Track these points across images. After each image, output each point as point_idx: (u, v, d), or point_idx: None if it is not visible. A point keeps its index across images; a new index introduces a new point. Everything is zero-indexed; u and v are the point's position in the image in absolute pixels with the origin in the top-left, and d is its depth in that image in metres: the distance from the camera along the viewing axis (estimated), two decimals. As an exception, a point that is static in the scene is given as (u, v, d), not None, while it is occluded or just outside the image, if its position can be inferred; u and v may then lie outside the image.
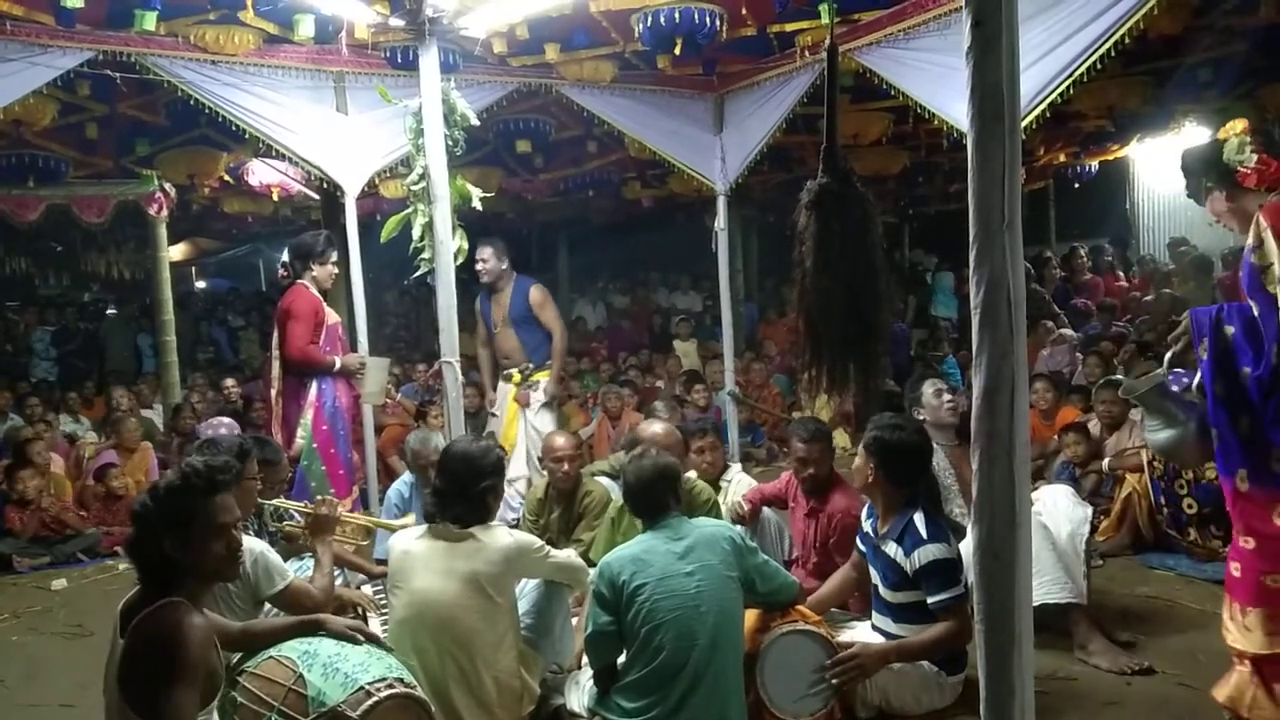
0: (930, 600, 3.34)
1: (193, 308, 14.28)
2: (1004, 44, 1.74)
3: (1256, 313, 2.91)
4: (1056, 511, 4.09)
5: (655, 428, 4.62)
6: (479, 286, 6.73)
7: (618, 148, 8.59)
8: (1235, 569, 3.12)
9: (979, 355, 1.78)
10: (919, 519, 3.40)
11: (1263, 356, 2.89)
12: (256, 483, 3.83)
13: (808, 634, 3.26)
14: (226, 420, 8.01)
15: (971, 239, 1.78)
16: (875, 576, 3.57)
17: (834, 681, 3.22)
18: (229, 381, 9.59)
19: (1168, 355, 3.27)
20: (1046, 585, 3.78)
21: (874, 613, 3.63)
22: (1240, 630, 3.07)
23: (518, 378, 6.49)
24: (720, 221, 7.18)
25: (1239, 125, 3.11)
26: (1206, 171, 3.17)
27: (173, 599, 2.34)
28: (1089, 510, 4.15)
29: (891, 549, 3.44)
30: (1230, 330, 2.97)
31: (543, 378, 6.53)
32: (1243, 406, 2.95)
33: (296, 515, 3.94)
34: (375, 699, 2.65)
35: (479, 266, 6.46)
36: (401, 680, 2.78)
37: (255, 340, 13.07)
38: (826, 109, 2.09)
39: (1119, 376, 6.04)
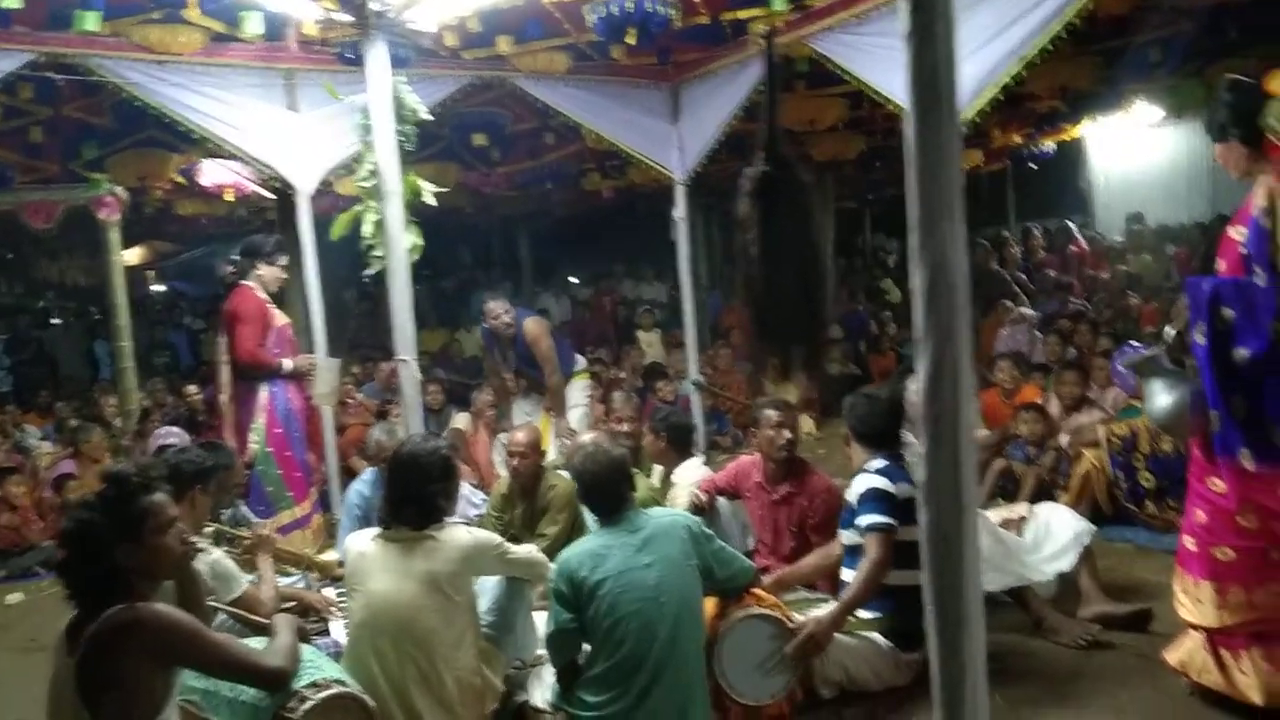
0: (860, 521, 3.47)
1: (149, 312, 14.06)
2: (941, 29, 1.73)
3: (1262, 283, 2.90)
4: (1057, 519, 4.19)
5: (518, 435, 4.78)
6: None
7: (575, 139, 8.55)
8: (1189, 542, 3.18)
9: (924, 340, 1.78)
10: (876, 462, 3.58)
11: (1261, 334, 2.90)
12: (209, 497, 3.79)
13: (762, 618, 3.30)
14: (176, 430, 7.89)
15: (912, 224, 1.78)
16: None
17: (791, 661, 3.27)
18: (190, 387, 9.45)
19: (1169, 333, 3.30)
20: (989, 575, 3.82)
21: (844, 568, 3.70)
22: (1193, 603, 3.12)
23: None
24: (679, 211, 7.18)
25: None
26: (1238, 121, 3.08)
27: (128, 604, 2.32)
28: (1091, 526, 4.21)
29: (848, 491, 3.60)
30: (1229, 313, 2.96)
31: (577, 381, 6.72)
32: (1238, 387, 2.97)
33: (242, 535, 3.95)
34: (310, 703, 2.64)
35: (499, 322, 6.45)
36: (342, 683, 2.78)
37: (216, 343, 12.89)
38: (766, 95, 2.09)
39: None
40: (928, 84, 1.74)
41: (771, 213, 1.87)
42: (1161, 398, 3.19)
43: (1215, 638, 3.11)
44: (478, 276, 14.90)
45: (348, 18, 4.15)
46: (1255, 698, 3.03)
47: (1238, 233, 3.02)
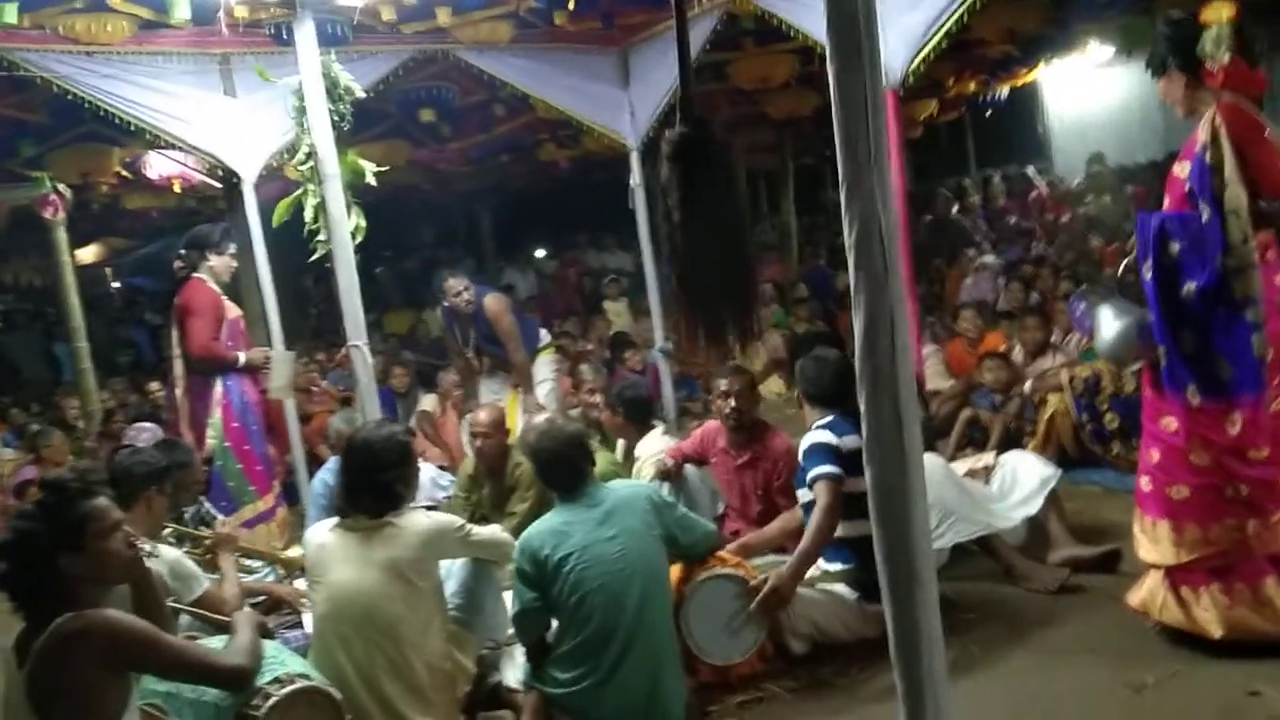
0: (808, 475, 3.49)
1: (109, 310, 13.84)
2: (855, -28, 1.68)
3: (1206, 219, 2.89)
4: (1024, 466, 4.21)
5: (480, 415, 4.73)
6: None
7: (526, 110, 8.42)
8: (1145, 483, 3.19)
9: (856, 294, 1.74)
10: (823, 419, 3.60)
11: (1208, 268, 2.88)
12: (166, 498, 3.72)
13: (725, 577, 3.32)
14: (149, 425, 7.78)
15: (840, 177, 1.73)
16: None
17: (757, 616, 3.30)
18: (152, 385, 9.31)
19: (1122, 267, 3.29)
20: (957, 526, 3.84)
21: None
22: (1151, 542, 3.14)
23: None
24: (635, 177, 7.09)
25: (1226, 11, 2.96)
26: (1176, 51, 3.07)
27: (76, 613, 2.27)
28: (1057, 470, 4.24)
29: (800, 456, 3.61)
30: (1176, 248, 2.95)
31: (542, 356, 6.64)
32: (1186, 321, 2.96)
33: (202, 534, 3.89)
34: (274, 699, 2.60)
35: (460, 299, 6.31)
36: (306, 676, 2.74)
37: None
38: (678, 54, 2.03)
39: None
40: (846, 33, 1.69)
41: (691, 176, 1.82)
42: (1108, 327, 3.19)
43: (1174, 575, 3.12)
44: (440, 255, 14.73)
45: (275, -3, 4.03)
46: (1215, 631, 3.05)
47: (1182, 169, 3.00)
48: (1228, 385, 2.90)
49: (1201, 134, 2.90)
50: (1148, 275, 2.98)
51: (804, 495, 3.61)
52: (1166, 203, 3.06)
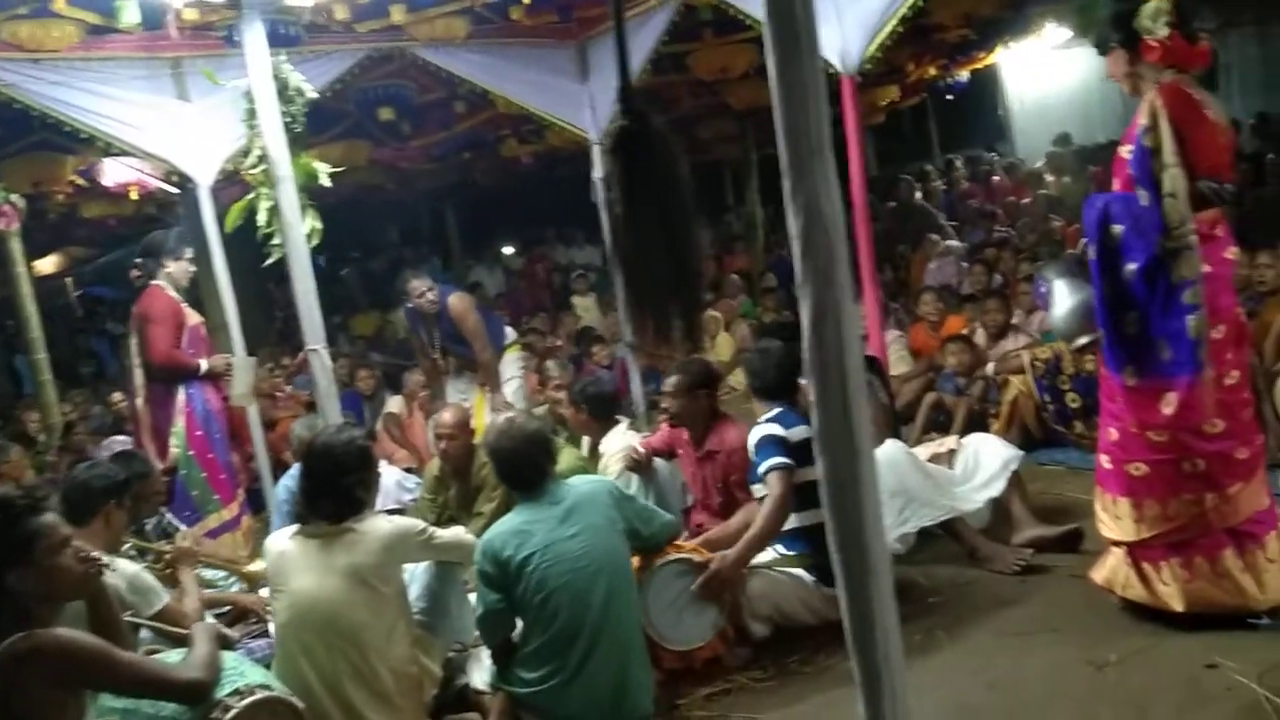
0: (759, 469, 3.51)
1: (68, 320, 13.64)
2: (792, -38, 1.67)
3: (1145, 202, 2.91)
4: (986, 449, 4.24)
5: (444, 416, 4.69)
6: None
7: (486, 106, 8.36)
8: (1105, 461, 3.22)
9: (803, 286, 1.73)
10: (769, 414, 3.63)
11: (1147, 248, 2.90)
12: (125, 511, 3.67)
13: (678, 562, 3.37)
14: (121, 438, 7.70)
15: (784, 168, 1.72)
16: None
17: (708, 598, 3.34)
18: (115, 395, 9.19)
19: (1081, 246, 3.32)
20: (921, 511, 3.88)
21: None
22: (1112, 519, 3.17)
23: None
24: (599, 171, 7.06)
25: None
26: (1117, 27, 3.08)
27: (26, 632, 2.23)
28: (1019, 451, 4.28)
29: (750, 452, 3.63)
30: (1118, 228, 2.98)
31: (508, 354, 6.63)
32: (1129, 303, 2.98)
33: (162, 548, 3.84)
34: (234, 711, 2.57)
35: (424, 300, 6.24)
36: (267, 687, 2.70)
37: (143, 346, 12.55)
38: (616, 44, 2.01)
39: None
40: (785, 21, 1.67)
41: (632, 169, 1.81)
42: (1061, 304, 3.23)
43: (1135, 551, 3.16)
44: (406, 254, 14.64)
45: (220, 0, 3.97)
46: (1176, 605, 3.09)
47: (1127, 151, 3.02)
48: (1166, 365, 2.93)
49: (1142, 117, 2.92)
50: (1092, 255, 3.02)
51: (758, 490, 3.63)
52: (1115, 184, 3.09)
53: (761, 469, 3.52)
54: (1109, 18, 3.11)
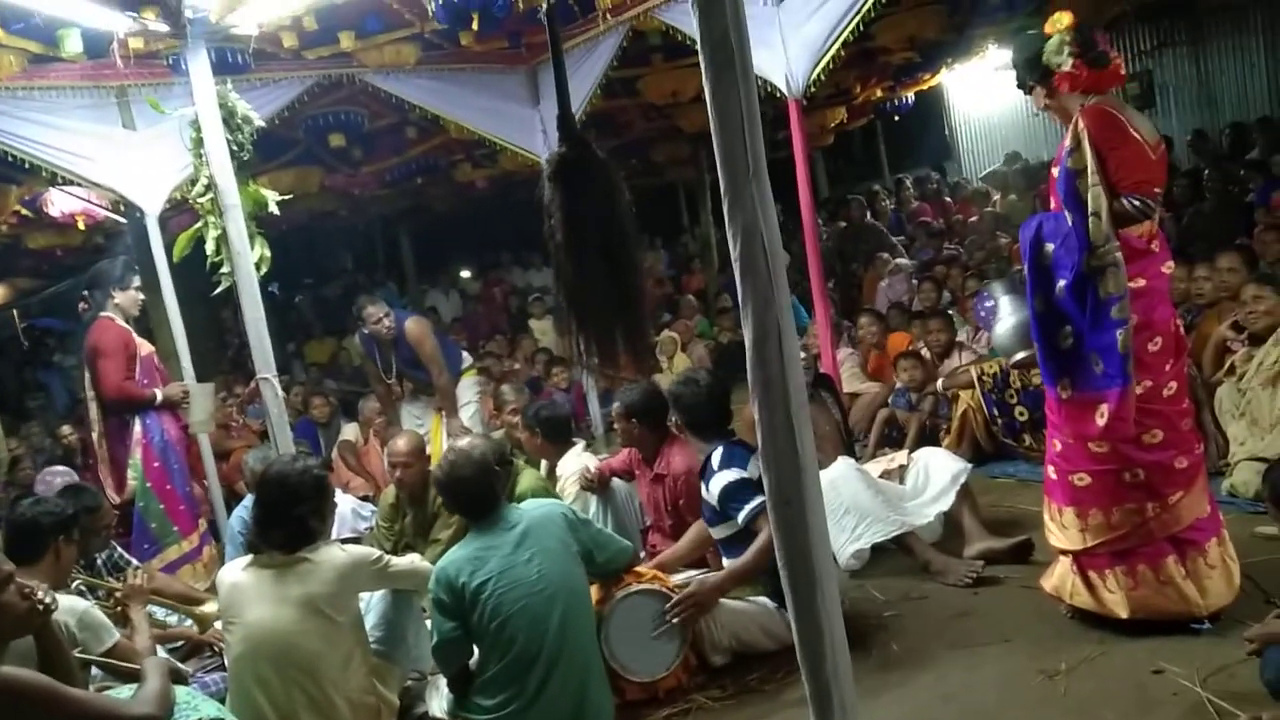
0: (740, 518, 3.46)
1: (14, 353, 13.35)
2: (726, -8, 1.71)
3: (1070, 223, 2.99)
4: (935, 463, 4.30)
5: (398, 444, 4.65)
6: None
7: (438, 131, 8.35)
8: (1051, 472, 3.28)
9: (744, 306, 1.76)
10: (716, 454, 3.57)
11: (1076, 266, 2.99)
12: (74, 546, 3.59)
13: (642, 592, 3.35)
14: (61, 469, 7.56)
15: (722, 191, 1.76)
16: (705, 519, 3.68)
17: (676, 624, 3.32)
18: (64, 428, 9.01)
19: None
20: (874, 527, 3.92)
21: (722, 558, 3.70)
22: (1059, 529, 3.23)
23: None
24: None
25: (1064, 20, 3.10)
26: (1028, 68, 3.21)
27: None
28: (967, 465, 4.35)
29: (703, 489, 3.59)
30: (1050, 247, 3.07)
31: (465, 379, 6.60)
32: (1064, 319, 3.06)
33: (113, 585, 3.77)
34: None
35: (380, 326, 6.19)
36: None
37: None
38: (555, 72, 2.04)
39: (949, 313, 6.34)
40: (719, 47, 1.71)
41: (572, 195, 1.83)
42: (1002, 322, 3.31)
43: (1081, 560, 3.23)
44: (361, 280, 14.53)
45: (163, 27, 3.95)
46: (1121, 612, 3.16)
47: (1056, 172, 3.11)
48: (1098, 379, 3.00)
49: (1067, 140, 3.02)
50: (1026, 273, 3.10)
51: (720, 532, 3.61)
52: (1053, 203, 3.18)
53: (743, 516, 3.45)
54: (1021, 61, 3.26)
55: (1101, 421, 3.02)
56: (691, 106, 8.88)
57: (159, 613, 4.36)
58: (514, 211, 14.20)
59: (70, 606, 3.26)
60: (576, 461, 4.55)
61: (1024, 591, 3.77)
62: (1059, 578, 3.33)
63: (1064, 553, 3.27)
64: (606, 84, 6.73)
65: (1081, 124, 2.98)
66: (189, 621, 4.43)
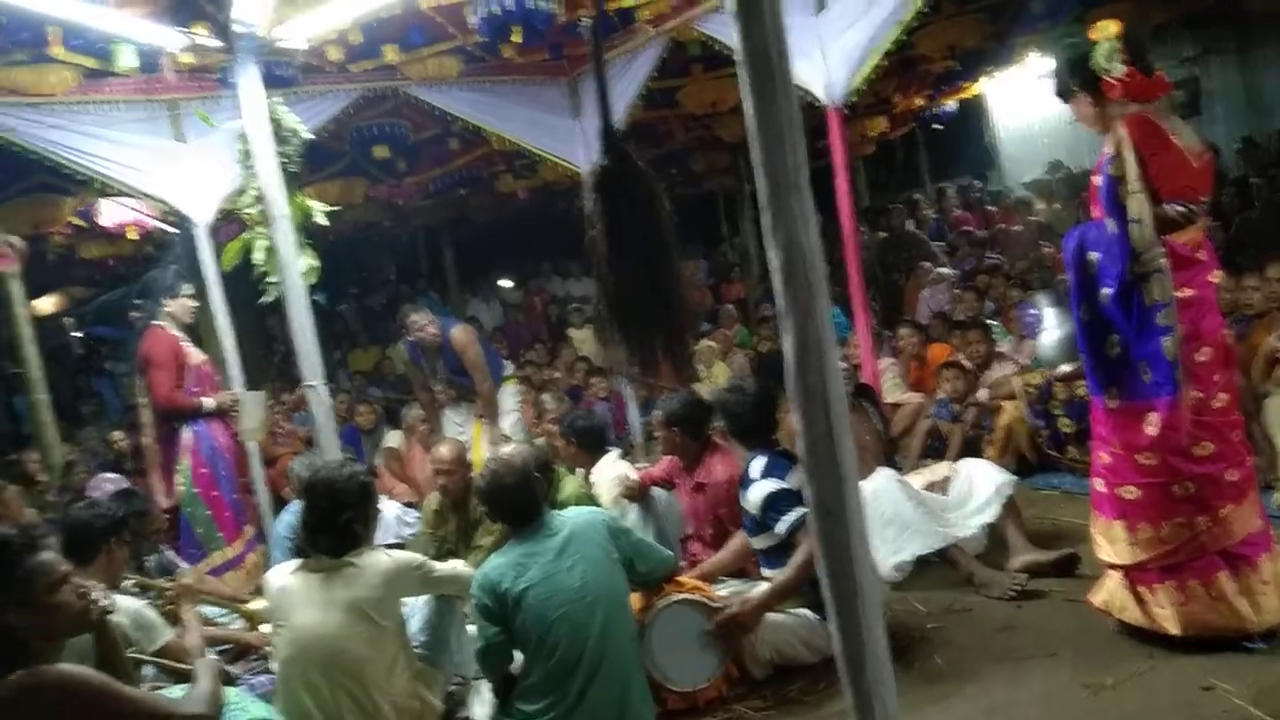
0: (780, 530, 3.46)
1: (68, 361, 13.65)
2: (767, 4, 1.73)
3: (1112, 230, 2.96)
4: (979, 474, 4.27)
5: (442, 451, 4.65)
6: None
7: (480, 142, 8.47)
8: (1099, 485, 3.24)
9: (785, 317, 1.77)
10: (756, 463, 3.57)
11: (1118, 274, 2.96)
12: (125, 548, 3.69)
13: (685, 603, 3.33)
14: (112, 475, 7.70)
15: (763, 203, 1.77)
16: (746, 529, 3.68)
17: (719, 640, 3.32)
18: (115, 434, 9.21)
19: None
20: (916, 539, 3.90)
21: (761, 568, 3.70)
22: (1108, 543, 3.19)
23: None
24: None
25: (1112, 29, 3.05)
26: (1074, 74, 3.16)
27: (29, 670, 2.25)
28: (1012, 476, 4.31)
29: (742, 498, 3.59)
30: (1094, 255, 3.04)
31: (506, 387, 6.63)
32: (1110, 327, 3.03)
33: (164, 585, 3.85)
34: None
35: (425, 334, 6.30)
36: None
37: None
38: (597, 86, 2.06)
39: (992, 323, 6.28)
40: (759, 60, 1.72)
41: (613, 206, 1.85)
42: (1050, 331, 3.28)
43: (1131, 575, 3.18)
44: (404, 290, 14.69)
45: (213, 42, 4.04)
46: (1172, 629, 3.11)
47: (1098, 180, 3.08)
48: (1147, 387, 2.96)
49: (1108, 147, 2.99)
50: (1071, 282, 3.07)
51: (760, 542, 3.62)
52: (1096, 212, 3.14)
53: (783, 528, 3.46)
54: (1065, 65, 3.19)
55: (1152, 431, 2.98)
56: (732, 116, 8.90)
57: (210, 611, 4.45)
58: (554, 221, 14.34)
59: (125, 606, 3.35)
60: (611, 470, 4.57)
61: (1069, 605, 3.72)
62: (1108, 592, 3.28)
63: (1113, 567, 3.23)
64: (646, 95, 6.77)
65: (1123, 130, 2.95)
66: (239, 622, 4.51)
